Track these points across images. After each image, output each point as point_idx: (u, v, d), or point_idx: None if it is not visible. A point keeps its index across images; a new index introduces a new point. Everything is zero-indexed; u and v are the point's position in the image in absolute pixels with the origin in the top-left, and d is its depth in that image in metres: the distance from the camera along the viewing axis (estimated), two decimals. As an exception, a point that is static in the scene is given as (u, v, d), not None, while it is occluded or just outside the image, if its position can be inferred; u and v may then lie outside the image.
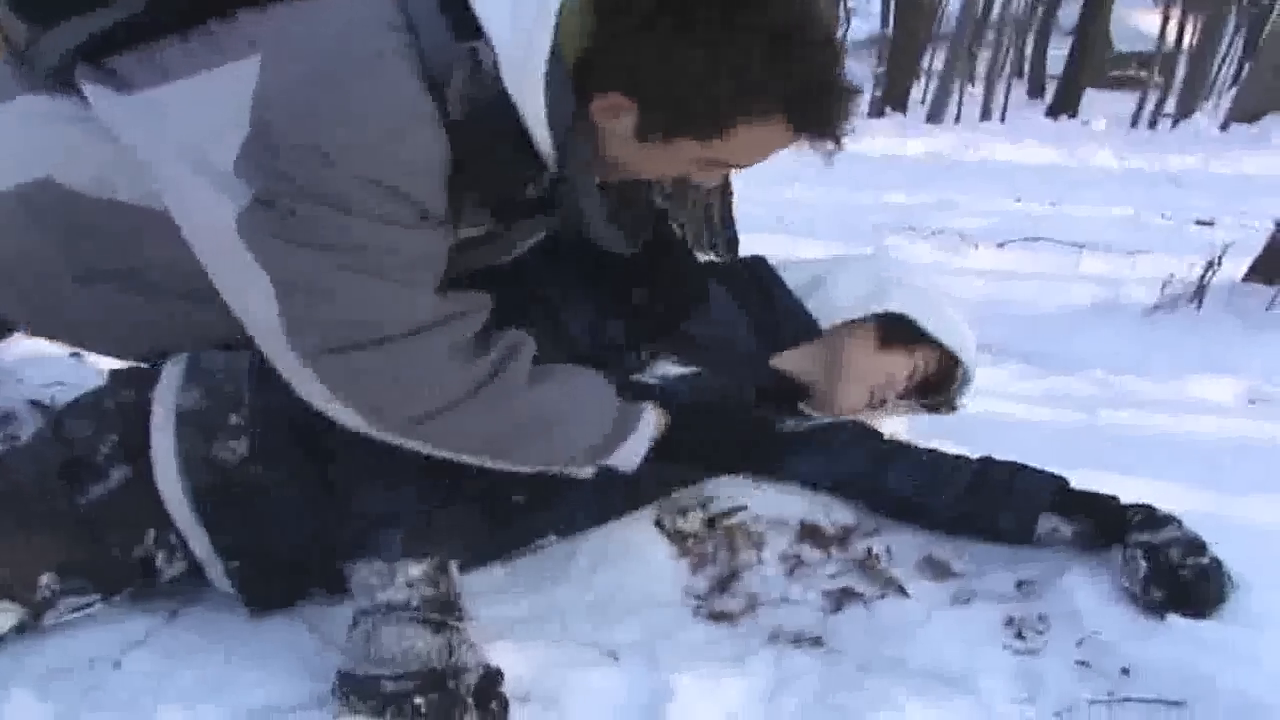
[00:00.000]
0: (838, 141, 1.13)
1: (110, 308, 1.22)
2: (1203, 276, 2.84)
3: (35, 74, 1.16)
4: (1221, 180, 6.81)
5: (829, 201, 4.79)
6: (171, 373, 1.24)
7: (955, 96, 14.34)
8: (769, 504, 1.50)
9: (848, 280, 1.66)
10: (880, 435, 1.56)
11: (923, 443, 1.54)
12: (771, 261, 1.69)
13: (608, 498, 1.39)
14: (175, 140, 1.05)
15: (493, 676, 1.12)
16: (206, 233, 1.07)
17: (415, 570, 1.14)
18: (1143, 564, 1.23)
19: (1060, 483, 1.39)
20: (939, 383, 1.75)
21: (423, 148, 1.06)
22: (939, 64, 15.19)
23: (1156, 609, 1.20)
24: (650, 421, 1.28)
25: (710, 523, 1.46)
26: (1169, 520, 1.29)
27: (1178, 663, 1.13)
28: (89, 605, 1.21)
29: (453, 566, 1.18)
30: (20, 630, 1.17)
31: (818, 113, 1.10)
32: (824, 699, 1.14)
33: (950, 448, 1.53)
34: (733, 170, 1.25)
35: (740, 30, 1.03)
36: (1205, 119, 12.27)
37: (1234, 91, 13.96)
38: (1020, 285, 3.31)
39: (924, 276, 2.20)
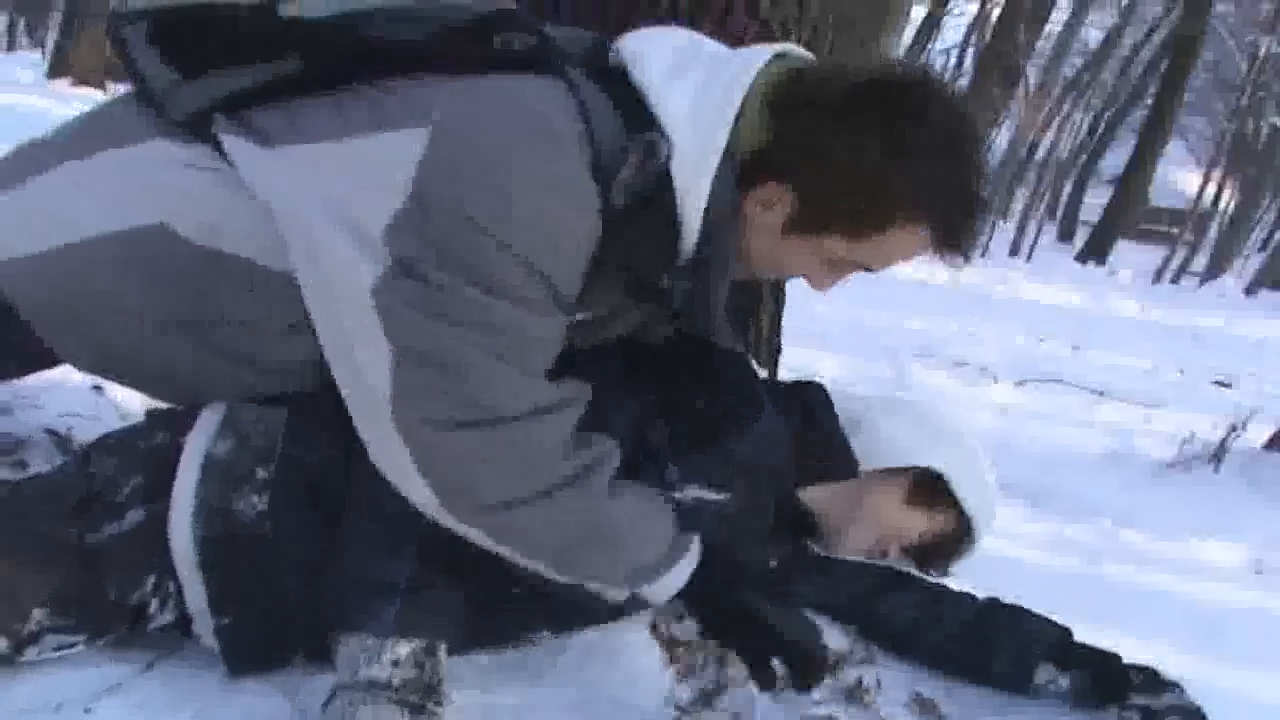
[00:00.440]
0: (968, 258, 1.12)
1: (177, 359, 1.20)
2: (1224, 439, 2.84)
3: (166, 118, 1.16)
4: (1241, 343, 6.84)
5: (847, 318, 4.82)
6: (208, 420, 1.22)
7: (987, 231, 14.51)
8: (764, 621, 1.48)
9: (898, 426, 1.62)
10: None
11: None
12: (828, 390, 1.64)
13: (604, 601, 1.37)
14: (322, 196, 1.05)
15: (465, 766, 1.10)
16: (335, 290, 1.06)
17: (403, 649, 1.12)
18: (1136, 729, 1.20)
19: (1064, 633, 1.37)
20: (942, 545, 1.69)
21: (581, 236, 1.06)
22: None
23: (1146, 776, 1.18)
24: (696, 555, 1.25)
25: (704, 632, 1.44)
26: (1172, 686, 1.26)
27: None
28: (72, 646, 1.18)
29: (441, 649, 1.16)
30: (-4, 664, 1.15)
31: (963, 225, 1.10)
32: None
33: (949, 583, 1.51)
34: (860, 273, 1.20)
35: (922, 129, 1.04)
36: (1232, 279, 12.39)
37: (1263, 256, 14.11)
38: (1036, 425, 3.31)
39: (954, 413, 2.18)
